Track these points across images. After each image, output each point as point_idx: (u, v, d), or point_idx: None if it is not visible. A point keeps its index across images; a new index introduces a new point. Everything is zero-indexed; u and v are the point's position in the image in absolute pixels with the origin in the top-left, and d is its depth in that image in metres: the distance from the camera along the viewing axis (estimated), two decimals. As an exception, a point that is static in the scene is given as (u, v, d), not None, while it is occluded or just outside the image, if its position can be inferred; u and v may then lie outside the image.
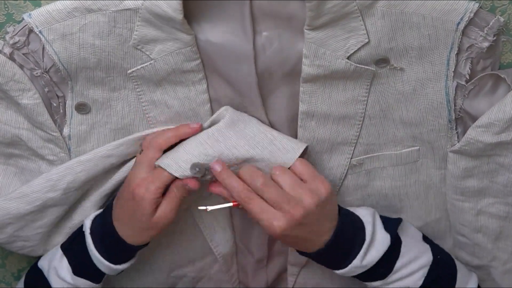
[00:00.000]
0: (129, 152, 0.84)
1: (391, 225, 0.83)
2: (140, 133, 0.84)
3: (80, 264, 0.86)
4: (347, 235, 0.80)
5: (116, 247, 0.84)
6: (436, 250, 0.86)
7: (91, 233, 0.84)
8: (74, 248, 0.87)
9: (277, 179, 0.78)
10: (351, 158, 0.86)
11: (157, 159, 0.80)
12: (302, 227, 0.77)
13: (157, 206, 0.80)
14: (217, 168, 0.78)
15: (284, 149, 0.80)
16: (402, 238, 0.84)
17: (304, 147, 0.81)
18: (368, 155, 0.87)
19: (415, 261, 0.83)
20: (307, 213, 0.76)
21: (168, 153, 0.80)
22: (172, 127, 0.83)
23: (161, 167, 0.79)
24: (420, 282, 0.82)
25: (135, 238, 0.83)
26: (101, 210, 0.87)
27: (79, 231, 0.87)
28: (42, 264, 0.89)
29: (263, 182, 0.77)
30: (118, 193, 0.84)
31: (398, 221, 0.85)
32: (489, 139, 0.79)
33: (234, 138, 0.80)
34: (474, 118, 0.81)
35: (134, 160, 0.84)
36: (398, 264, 0.82)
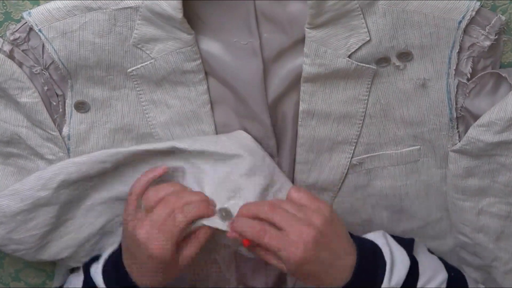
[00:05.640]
0: (125, 162, 0.83)
1: (405, 243, 0.82)
2: (138, 147, 0.82)
3: None
4: (369, 259, 0.78)
5: None
6: (448, 266, 0.85)
7: None
8: None
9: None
10: (351, 158, 0.86)
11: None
12: (319, 248, 0.74)
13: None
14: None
15: None
16: (418, 258, 0.82)
17: None
18: (368, 155, 0.86)
19: (433, 279, 0.82)
20: (319, 232, 0.74)
21: None
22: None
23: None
24: None
25: (156, 283, 0.80)
26: (102, 264, 0.84)
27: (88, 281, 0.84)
28: None
29: (270, 205, 0.76)
30: (122, 245, 0.81)
31: (411, 240, 0.83)
32: (490, 139, 0.79)
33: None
34: (475, 117, 0.81)
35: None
36: (420, 283, 0.80)
